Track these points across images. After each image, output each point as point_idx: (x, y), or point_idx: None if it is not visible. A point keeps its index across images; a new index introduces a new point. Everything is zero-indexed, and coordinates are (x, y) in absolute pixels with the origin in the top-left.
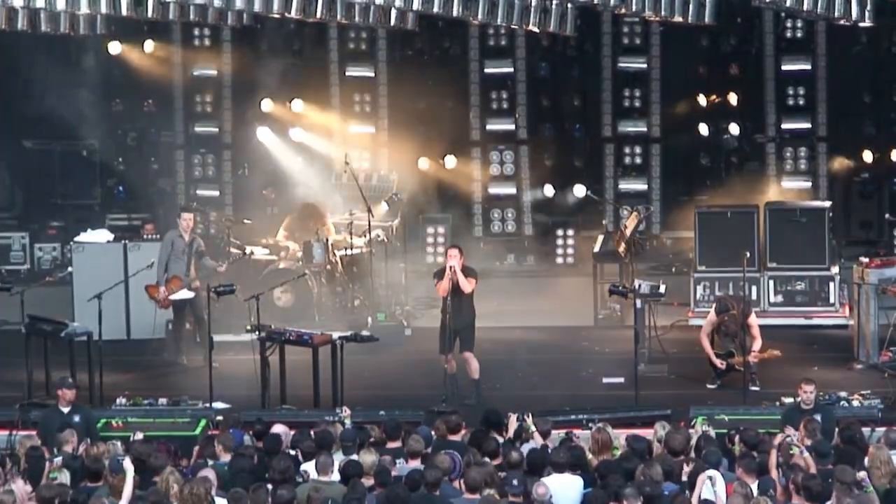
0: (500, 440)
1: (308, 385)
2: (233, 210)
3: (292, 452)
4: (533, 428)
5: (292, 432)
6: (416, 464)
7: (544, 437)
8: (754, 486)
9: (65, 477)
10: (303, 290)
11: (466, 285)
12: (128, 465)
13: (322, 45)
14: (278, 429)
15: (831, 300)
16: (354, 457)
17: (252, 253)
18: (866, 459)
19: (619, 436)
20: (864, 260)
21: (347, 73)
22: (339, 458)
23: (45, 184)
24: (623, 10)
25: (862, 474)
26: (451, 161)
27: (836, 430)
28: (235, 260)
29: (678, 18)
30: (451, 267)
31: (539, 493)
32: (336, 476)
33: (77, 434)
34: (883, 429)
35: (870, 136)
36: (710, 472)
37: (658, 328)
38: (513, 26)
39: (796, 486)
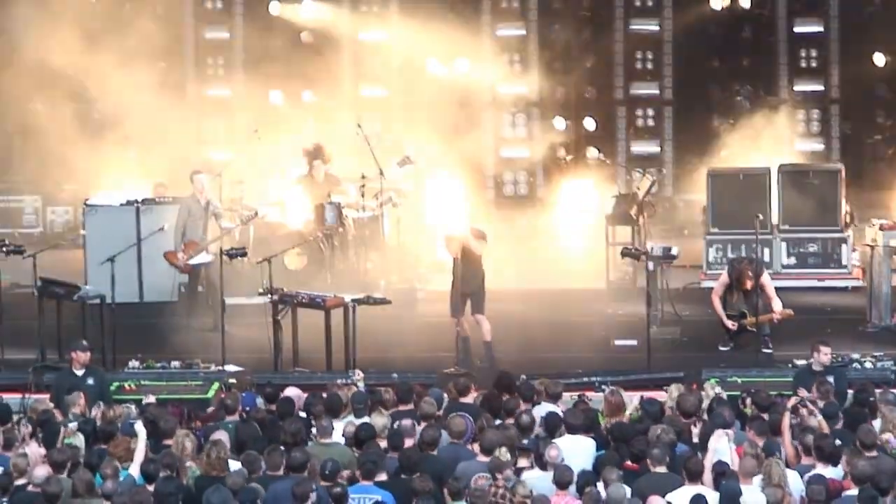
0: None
1: (320, 348)
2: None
3: (304, 415)
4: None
5: (305, 395)
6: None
7: (555, 400)
8: None
9: (79, 440)
10: (315, 252)
11: (477, 248)
12: (139, 427)
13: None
14: (291, 392)
15: (843, 262)
16: (366, 419)
17: (265, 215)
18: (878, 421)
19: (632, 398)
20: (877, 222)
21: (359, 38)
22: (350, 420)
23: (59, 147)
24: None
25: (887, 436)
26: (463, 124)
27: (850, 391)
28: (249, 219)
29: None
30: (461, 230)
31: (551, 455)
32: (340, 439)
33: (90, 397)
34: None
35: (882, 99)
36: (727, 430)
37: (670, 291)
38: None
39: (806, 447)
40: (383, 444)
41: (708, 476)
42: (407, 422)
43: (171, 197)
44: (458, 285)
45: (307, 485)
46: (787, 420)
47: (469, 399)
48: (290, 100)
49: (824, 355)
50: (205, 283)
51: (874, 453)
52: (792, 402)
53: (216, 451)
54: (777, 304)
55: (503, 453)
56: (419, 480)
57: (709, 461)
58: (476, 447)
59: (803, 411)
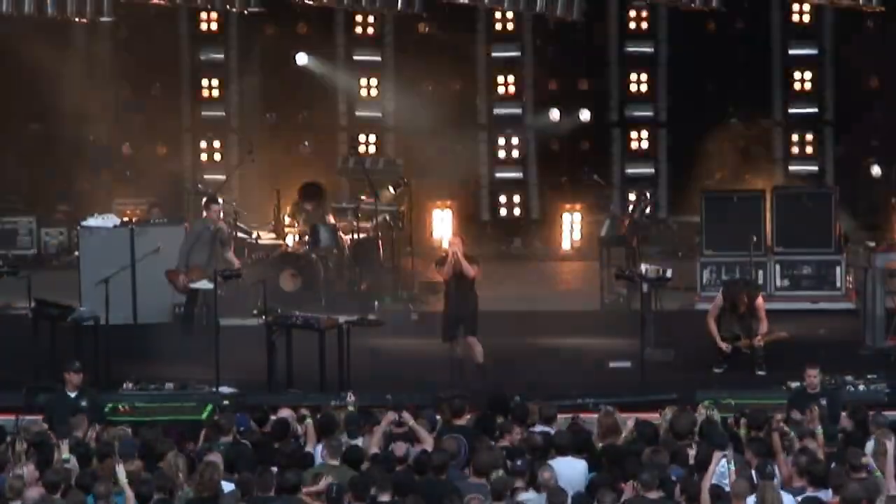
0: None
1: (315, 369)
2: (238, 195)
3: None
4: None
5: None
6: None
7: (549, 422)
8: None
9: (72, 462)
10: (310, 274)
11: (469, 270)
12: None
13: (329, 29)
14: (285, 413)
15: (837, 284)
16: (359, 441)
17: (259, 237)
18: (870, 443)
19: (627, 420)
20: (871, 244)
21: (354, 58)
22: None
23: (51, 168)
24: None
25: (867, 459)
26: (457, 145)
27: (845, 413)
28: (259, 261)
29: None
30: (453, 253)
31: (545, 476)
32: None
33: (85, 418)
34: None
35: (877, 122)
36: (726, 451)
37: (665, 312)
38: (520, 10)
39: (800, 468)
40: None
41: (706, 496)
42: (401, 445)
43: (166, 218)
44: (450, 308)
45: None
46: (776, 440)
47: (463, 421)
48: (286, 121)
49: (811, 377)
50: (201, 305)
51: (863, 475)
52: (777, 419)
53: (209, 472)
54: (764, 329)
55: (501, 475)
56: (412, 502)
57: (706, 483)
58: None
59: (792, 433)
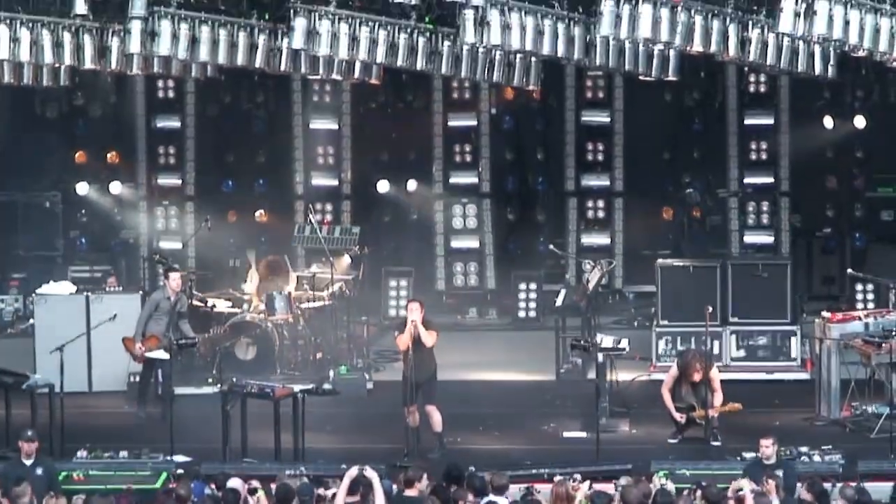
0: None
1: (269, 437)
2: (195, 263)
3: None
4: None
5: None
6: None
7: (500, 492)
8: None
9: None
10: (265, 342)
11: (428, 338)
12: None
13: (286, 97)
14: (234, 483)
15: (793, 355)
16: None
17: (214, 306)
18: None
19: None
20: (826, 315)
21: (311, 126)
22: None
23: (7, 235)
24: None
25: None
26: (413, 214)
27: (802, 486)
28: (216, 336)
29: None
30: (412, 321)
31: None
32: None
33: (39, 486)
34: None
35: (832, 192)
36: None
37: (619, 382)
38: (476, 79)
39: None
40: None
41: None
42: None
43: (122, 287)
44: (409, 375)
45: None
46: None
47: (415, 492)
48: (242, 189)
49: (765, 448)
50: (156, 374)
51: None
52: (732, 488)
53: None
54: (718, 400)
55: None
56: None
57: None
58: None
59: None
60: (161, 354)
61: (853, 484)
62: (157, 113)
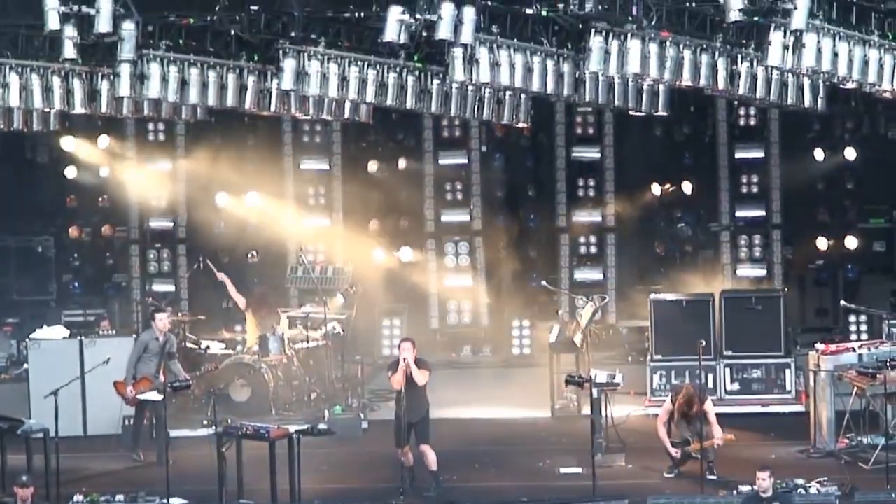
0: None
1: (265, 479)
2: (188, 305)
3: None
4: None
5: None
6: None
7: None
8: None
9: None
10: (259, 383)
11: (420, 377)
12: None
13: (277, 138)
14: None
15: (787, 387)
16: None
17: (208, 348)
18: None
19: None
20: (820, 346)
21: (302, 166)
22: None
23: None
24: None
25: None
26: (406, 253)
27: None
28: (207, 373)
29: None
30: (404, 360)
31: None
32: None
33: None
34: None
35: (823, 224)
36: None
37: (615, 418)
38: (466, 117)
39: None
40: None
41: None
42: None
43: (115, 331)
44: (402, 415)
45: None
46: None
47: None
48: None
49: (761, 481)
50: (150, 416)
51: None
52: None
53: None
54: (717, 433)
55: None
56: None
57: None
58: None
59: None
60: (153, 396)
61: None
62: (149, 155)
